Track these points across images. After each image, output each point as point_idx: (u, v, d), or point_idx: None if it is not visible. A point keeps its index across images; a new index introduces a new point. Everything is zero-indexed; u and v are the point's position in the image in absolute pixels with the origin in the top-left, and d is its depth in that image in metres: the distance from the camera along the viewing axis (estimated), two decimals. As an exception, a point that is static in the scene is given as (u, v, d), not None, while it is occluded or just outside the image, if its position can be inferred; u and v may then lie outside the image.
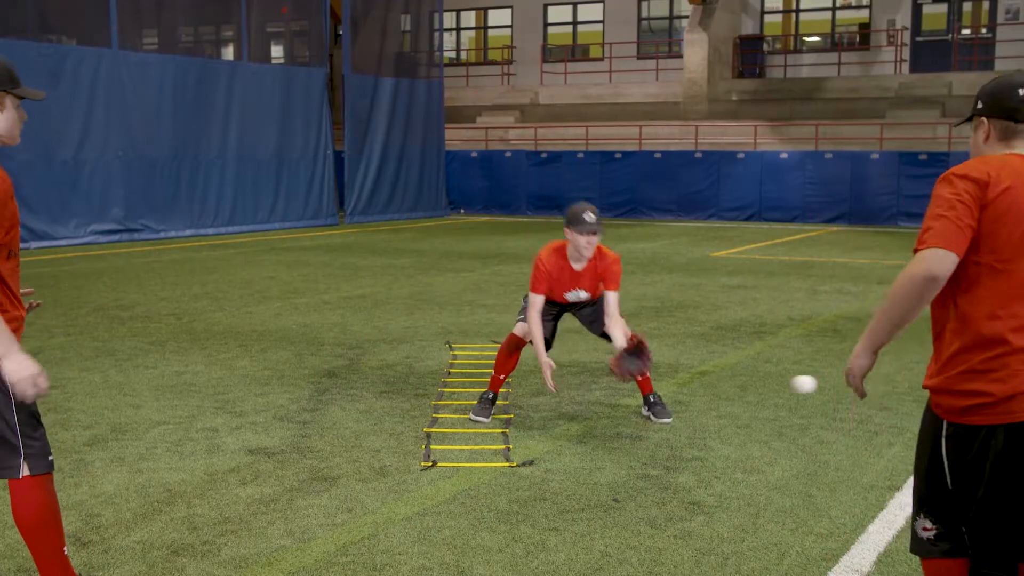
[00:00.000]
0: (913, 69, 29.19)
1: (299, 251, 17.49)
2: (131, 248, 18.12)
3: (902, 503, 4.88)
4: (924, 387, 2.98)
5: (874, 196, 23.87)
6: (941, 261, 2.77)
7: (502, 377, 6.53)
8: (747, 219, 25.18)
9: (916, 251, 2.83)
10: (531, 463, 5.49)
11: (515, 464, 5.46)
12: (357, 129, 24.33)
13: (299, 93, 23.15)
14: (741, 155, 25.43)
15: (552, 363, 6.07)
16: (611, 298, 6.29)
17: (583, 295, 6.39)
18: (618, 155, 26.51)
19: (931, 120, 25.88)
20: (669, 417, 6.39)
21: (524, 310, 6.43)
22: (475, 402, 6.59)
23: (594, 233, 6.14)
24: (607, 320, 6.31)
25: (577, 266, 6.30)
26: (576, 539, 4.44)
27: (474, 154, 28.24)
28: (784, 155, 25.11)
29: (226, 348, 8.72)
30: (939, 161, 23.24)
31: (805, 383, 3.80)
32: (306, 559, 4.21)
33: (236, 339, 9.15)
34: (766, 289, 12.61)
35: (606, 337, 6.43)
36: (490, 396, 6.50)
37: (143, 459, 5.56)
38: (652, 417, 6.40)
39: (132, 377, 7.61)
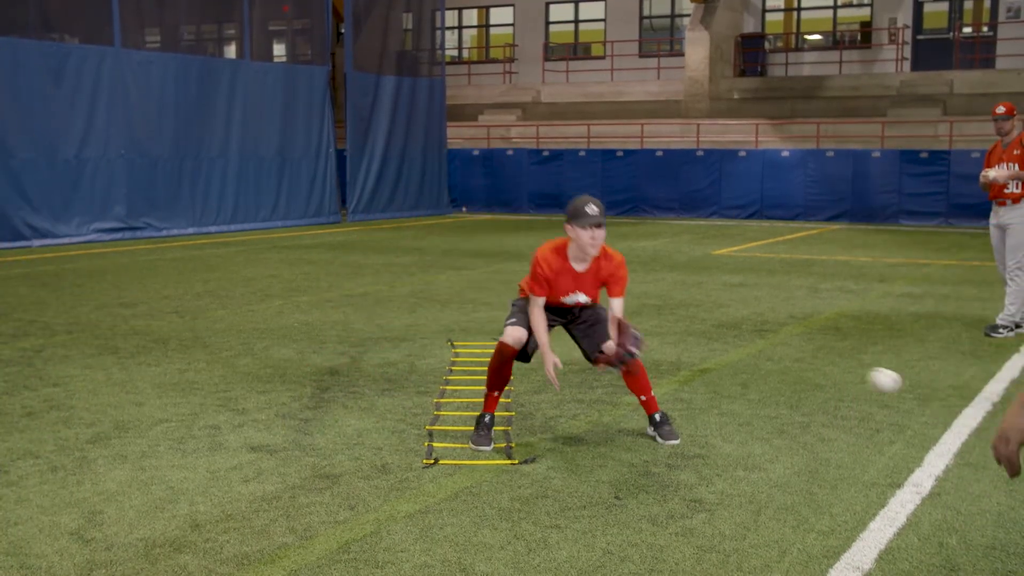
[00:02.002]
0: (914, 67, 29.19)
1: (301, 249, 17.50)
2: (133, 246, 18.13)
3: (903, 500, 4.89)
4: None
5: (875, 194, 23.87)
6: None
7: (496, 394, 5.86)
8: (748, 217, 25.18)
9: None
10: (533, 460, 5.49)
11: (517, 462, 5.47)
12: (359, 127, 24.33)
13: (301, 91, 23.16)
14: (742, 153, 25.43)
15: (557, 359, 5.58)
16: (616, 306, 5.69)
17: (582, 299, 5.78)
18: (620, 153, 26.52)
19: (932, 118, 25.88)
20: (677, 438, 5.85)
21: (513, 314, 5.83)
22: (479, 399, 6.57)
23: (599, 226, 5.50)
24: (611, 328, 5.69)
25: (579, 267, 5.69)
26: (578, 536, 4.45)
27: (476, 152, 28.26)
28: (785, 153, 25.11)
29: (228, 346, 8.74)
30: (940, 159, 23.24)
31: (885, 382, 3.57)
32: (308, 557, 4.23)
33: (238, 337, 9.16)
34: (767, 287, 12.62)
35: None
36: (487, 419, 5.83)
37: (145, 457, 5.57)
38: (659, 439, 5.87)
39: (134, 375, 7.62)
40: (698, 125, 27.49)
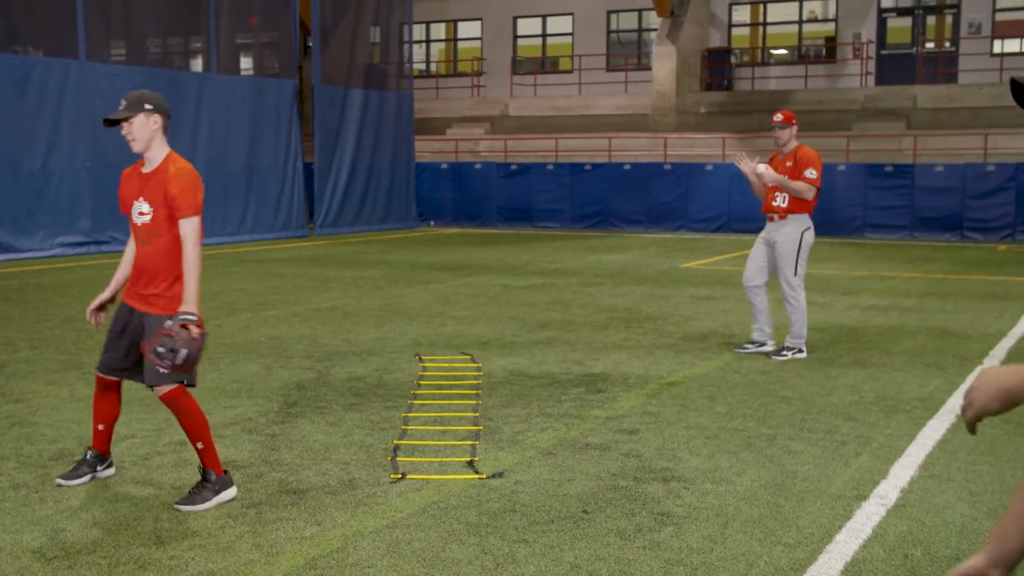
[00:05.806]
0: (878, 82, 29.51)
1: (269, 263, 17.41)
2: (99, 260, 17.96)
3: (869, 512, 4.92)
4: None
5: (840, 207, 24.06)
6: None
7: (100, 428, 5.28)
8: (716, 230, 25.32)
9: None
10: (501, 475, 5.49)
11: (484, 476, 5.46)
12: (327, 141, 24.27)
13: (269, 104, 23.07)
14: (710, 167, 25.58)
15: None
16: (183, 229, 4.87)
17: (145, 208, 4.93)
18: (588, 167, 26.60)
19: (896, 132, 26.16)
20: (196, 505, 4.90)
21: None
22: (447, 413, 6.56)
23: (123, 118, 4.91)
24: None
25: (146, 168, 4.99)
26: (545, 551, 4.44)
27: (444, 166, 28.25)
28: (752, 167, 25.24)
29: (194, 361, 8.66)
30: (904, 173, 23.48)
31: None
32: (274, 573, 4.19)
33: (204, 351, 9.07)
34: (735, 300, 12.68)
35: None
36: (88, 456, 5.30)
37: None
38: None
39: (99, 390, 7.53)
40: (665, 139, 27.64)
